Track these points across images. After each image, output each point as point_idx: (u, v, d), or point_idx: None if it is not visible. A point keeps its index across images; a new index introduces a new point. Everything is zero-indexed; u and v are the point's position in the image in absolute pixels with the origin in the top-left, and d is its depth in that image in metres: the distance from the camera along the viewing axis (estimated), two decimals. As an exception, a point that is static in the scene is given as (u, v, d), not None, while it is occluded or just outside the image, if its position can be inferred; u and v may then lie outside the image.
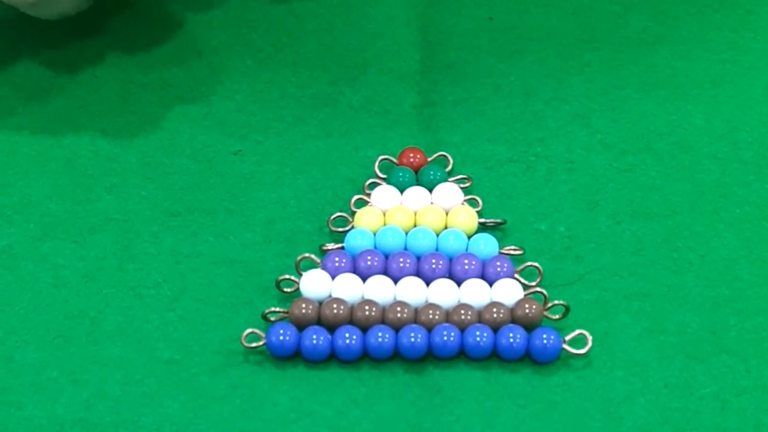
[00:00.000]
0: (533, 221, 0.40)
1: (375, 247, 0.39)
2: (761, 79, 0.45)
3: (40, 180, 0.42)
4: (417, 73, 0.45)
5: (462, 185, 0.41)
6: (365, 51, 0.46)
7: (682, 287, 0.38)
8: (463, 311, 0.37)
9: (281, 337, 0.36)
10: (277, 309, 0.37)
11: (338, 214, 0.40)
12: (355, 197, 0.40)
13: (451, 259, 0.38)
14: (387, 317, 0.37)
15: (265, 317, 0.37)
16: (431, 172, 0.41)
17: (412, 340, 0.36)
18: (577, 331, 0.36)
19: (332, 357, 0.36)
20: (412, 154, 0.41)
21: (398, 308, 0.37)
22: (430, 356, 0.36)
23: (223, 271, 0.39)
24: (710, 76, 0.45)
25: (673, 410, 0.35)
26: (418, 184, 0.41)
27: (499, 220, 0.40)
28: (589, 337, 0.36)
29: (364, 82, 0.45)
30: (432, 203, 0.40)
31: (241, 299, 0.38)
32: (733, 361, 0.36)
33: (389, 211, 0.40)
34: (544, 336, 0.36)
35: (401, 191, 0.40)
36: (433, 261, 0.38)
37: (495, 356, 0.36)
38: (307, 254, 0.38)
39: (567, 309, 0.37)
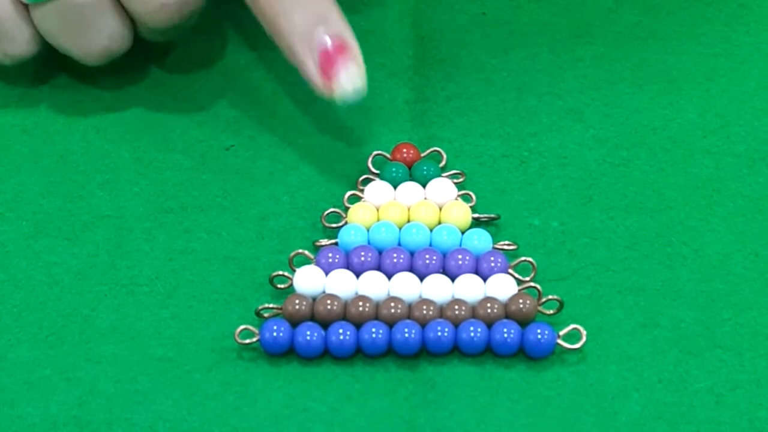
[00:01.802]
0: (527, 216, 0.40)
1: (368, 243, 0.39)
2: (754, 72, 0.45)
3: (32, 177, 0.42)
4: (410, 69, 0.45)
5: (455, 180, 0.41)
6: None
7: (676, 282, 0.38)
8: (456, 307, 0.37)
9: (274, 334, 0.36)
10: (271, 305, 0.37)
11: (331, 210, 0.40)
12: (349, 193, 0.40)
13: (444, 255, 0.38)
14: (380, 313, 0.37)
15: (258, 314, 0.37)
16: (424, 168, 0.41)
17: (406, 335, 0.36)
18: (571, 326, 0.36)
19: (326, 353, 0.36)
20: (405, 150, 0.41)
21: (392, 304, 0.36)
22: (424, 352, 0.36)
23: (217, 268, 0.39)
24: (703, 71, 0.45)
25: (667, 405, 0.35)
26: (411, 180, 0.41)
27: (492, 216, 0.40)
28: (583, 332, 0.36)
29: (357, 78, 0.45)
30: (425, 199, 0.40)
31: (234, 296, 0.38)
32: (727, 356, 0.36)
33: (383, 207, 0.40)
34: (538, 331, 0.36)
35: (394, 187, 0.40)
36: (427, 256, 0.38)
37: (489, 351, 0.36)
38: (300, 250, 0.38)
39: (561, 304, 0.37)
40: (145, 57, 0.45)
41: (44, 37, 0.42)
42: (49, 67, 0.45)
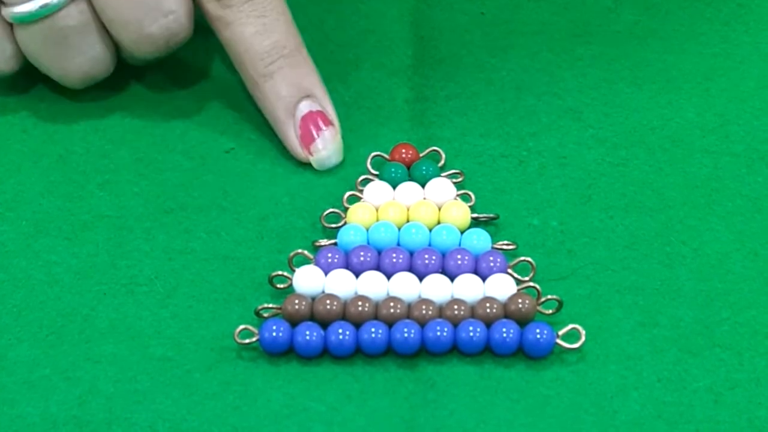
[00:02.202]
0: (526, 216, 0.40)
1: (368, 243, 0.39)
2: (753, 72, 0.45)
3: (32, 177, 0.42)
4: (409, 69, 0.45)
5: (454, 180, 0.41)
6: (357, 47, 0.46)
7: (675, 281, 0.38)
8: (456, 306, 0.37)
9: (274, 333, 0.36)
10: (270, 305, 0.37)
11: (331, 210, 0.40)
12: (348, 193, 0.40)
13: (443, 254, 0.38)
14: (380, 313, 0.37)
15: (258, 313, 0.37)
16: (424, 168, 0.41)
17: (405, 335, 0.36)
18: (570, 326, 0.36)
19: (325, 353, 0.36)
20: (404, 150, 0.41)
21: (391, 303, 0.37)
22: (424, 351, 0.36)
23: (216, 268, 0.39)
24: (702, 70, 0.45)
25: (666, 404, 0.35)
26: (410, 180, 0.41)
27: (491, 215, 0.40)
28: (582, 332, 0.36)
29: (356, 78, 0.45)
30: (425, 198, 0.40)
31: (234, 296, 0.38)
32: (726, 355, 0.36)
33: (382, 207, 0.40)
34: (537, 331, 0.36)
35: (394, 187, 0.40)
36: (426, 256, 0.38)
37: (488, 351, 0.36)
38: (300, 250, 0.38)
39: (560, 304, 0.37)
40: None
41: (26, 56, 0.42)
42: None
